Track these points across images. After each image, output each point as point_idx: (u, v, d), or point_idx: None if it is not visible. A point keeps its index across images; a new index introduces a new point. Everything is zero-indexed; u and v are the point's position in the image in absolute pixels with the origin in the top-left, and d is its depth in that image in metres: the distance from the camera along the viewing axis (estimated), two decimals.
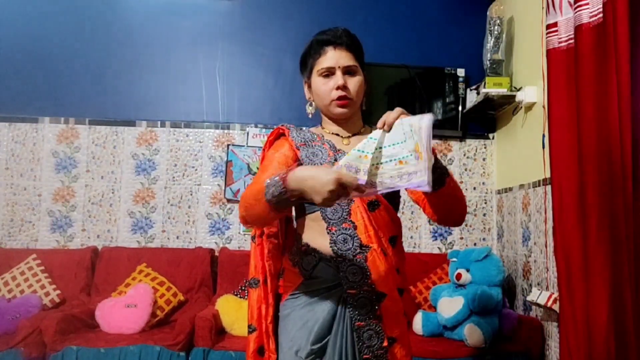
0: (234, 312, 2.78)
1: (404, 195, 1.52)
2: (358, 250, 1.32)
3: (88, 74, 3.43)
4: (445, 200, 1.28)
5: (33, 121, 3.40)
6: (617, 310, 1.91)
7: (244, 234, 3.38)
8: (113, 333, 2.69)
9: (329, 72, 1.38)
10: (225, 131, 3.46)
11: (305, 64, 1.44)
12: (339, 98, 1.37)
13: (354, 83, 1.39)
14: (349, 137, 1.45)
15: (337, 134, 1.45)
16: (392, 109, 1.24)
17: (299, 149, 1.39)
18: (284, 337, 1.37)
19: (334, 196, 1.07)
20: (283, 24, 3.52)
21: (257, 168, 3.35)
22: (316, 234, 1.36)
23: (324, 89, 1.38)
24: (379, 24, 3.52)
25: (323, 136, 1.45)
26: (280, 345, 1.38)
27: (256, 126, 3.44)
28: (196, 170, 3.43)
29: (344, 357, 1.30)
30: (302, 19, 3.52)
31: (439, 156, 1.30)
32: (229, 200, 3.40)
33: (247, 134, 3.43)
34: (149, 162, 3.42)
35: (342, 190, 1.07)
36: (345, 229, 1.33)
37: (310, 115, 1.48)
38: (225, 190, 3.39)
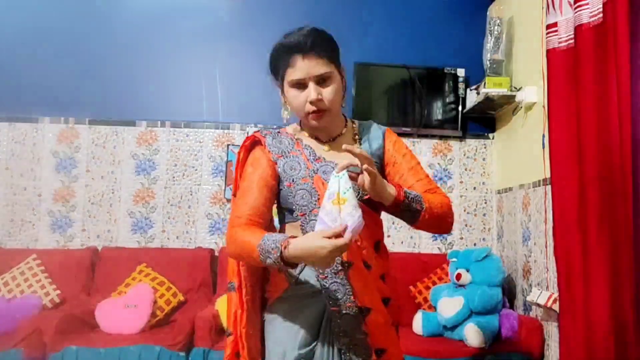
0: None
1: None
2: (339, 268, 1.28)
3: (88, 74, 3.42)
4: (426, 227, 1.30)
5: (33, 121, 3.40)
6: (617, 310, 1.91)
7: None
8: (113, 333, 2.69)
9: (300, 84, 1.30)
10: (225, 131, 3.46)
11: (275, 69, 1.36)
12: (314, 112, 1.30)
13: (329, 92, 1.30)
14: (328, 141, 1.40)
15: (317, 137, 1.40)
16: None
17: (276, 162, 1.35)
18: (270, 341, 1.35)
19: (332, 258, 1.13)
20: (283, 23, 3.48)
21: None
22: None
23: (297, 102, 1.31)
24: (379, 24, 3.52)
25: (302, 140, 1.40)
26: (267, 349, 1.36)
27: (256, 126, 3.44)
28: (196, 170, 3.43)
29: None
30: (302, 18, 3.47)
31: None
32: (229, 200, 3.39)
33: (247, 134, 3.43)
34: (149, 162, 3.42)
35: (340, 252, 1.14)
36: None
37: (285, 120, 1.41)
38: (225, 190, 3.39)
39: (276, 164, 1.35)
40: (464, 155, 3.51)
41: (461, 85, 3.42)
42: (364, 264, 1.30)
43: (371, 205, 1.32)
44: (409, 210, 1.24)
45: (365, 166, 1.15)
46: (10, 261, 3.04)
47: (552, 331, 2.56)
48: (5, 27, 3.43)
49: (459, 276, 2.85)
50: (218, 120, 3.46)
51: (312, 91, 1.28)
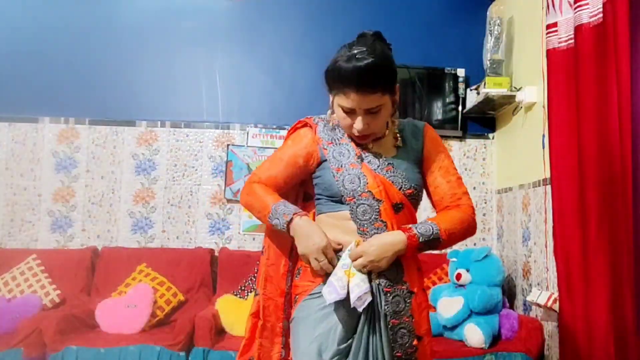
0: (234, 312, 2.78)
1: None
2: None
3: (88, 74, 3.42)
4: (449, 246, 1.42)
5: (33, 121, 3.39)
6: (617, 310, 1.91)
7: (244, 234, 3.38)
8: (113, 333, 2.69)
9: (349, 111, 1.31)
10: (225, 131, 3.46)
11: (327, 83, 1.35)
12: (359, 137, 1.35)
13: (377, 120, 1.33)
14: (372, 140, 1.40)
15: None
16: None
17: (326, 149, 1.39)
18: (303, 338, 1.32)
19: (313, 254, 1.29)
20: (283, 24, 3.52)
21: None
22: (341, 232, 1.35)
23: (344, 123, 1.34)
24: (379, 24, 3.47)
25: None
26: (297, 347, 1.34)
27: (256, 126, 3.44)
28: (196, 170, 3.43)
29: (371, 356, 1.27)
30: (301, 19, 3.52)
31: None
32: (229, 201, 3.39)
33: (247, 134, 3.43)
34: (149, 162, 3.42)
35: (320, 257, 1.29)
36: (378, 228, 1.31)
37: (330, 124, 1.43)
38: (225, 190, 3.39)
39: (326, 150, 1.39)
40: (464, 155, 3.51)
41: (461, 85, 3.42)
42: None
43: (413, 204, 1.39)
44: (428, 247, 1.32)
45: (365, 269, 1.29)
46: (10, 261, 3.04)
47: (552, 331, 2.56)
48: (6, 27, 3.43)
49: (458, 276, 2.85)
50: (218, 120, 3.46)
51: (359, 122, 1.30)
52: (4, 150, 3.37)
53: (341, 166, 1.36)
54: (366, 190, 1.32)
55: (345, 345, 1.28)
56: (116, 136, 3.42)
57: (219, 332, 2.71)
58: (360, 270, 1.27)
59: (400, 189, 1.34)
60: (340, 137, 1.40)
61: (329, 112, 1.41)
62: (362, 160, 1.36)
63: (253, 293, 1.46)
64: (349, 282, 1.26)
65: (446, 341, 2.71)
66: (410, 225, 1.32)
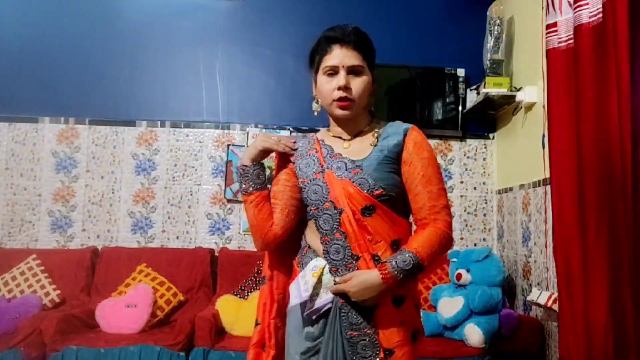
0: (234, 312, 2.78)
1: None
2: (349, 260, 1.32)
3: (88, 74, 3.43)
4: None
5: (33, 121, 3.40)
6: (616, 310, 1.91)
7: (244, 234, 3.38)
8: (113, 333, 2.69)
9: (333, 71, 1.35)
10: (225, 131, 3.46)
11: (313, 60, 1.42)
12: (340, 99, 1.34)
13: (358, 83, 1.35)
14: (350, 139, 1.42)
15: (340, 137, 1.44)
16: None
17: (294, 163, 1.45)
18: (288, 339, 1.41)
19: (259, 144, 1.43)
20: (283, 24, 3.52)
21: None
22: (314, 237, 1.39)
23: (327, 87, 1.36)
24: (379, 24, 3.52)
25: (324, 140, 1.44)
26: (287, 346, 1.42)
27: (256, 126, 3.44)
28: (196, 170, 3.43)
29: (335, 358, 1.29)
30: (302, 19, 3.52)
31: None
32: (229, 201, 3.40)
33: (247, 134, 3.43)
34: (149, 162, 3.42)
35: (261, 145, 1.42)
36: (337, 239, 1.33)
37: (315, 113, 1.46)
38: (225, 190, 3.39)
39: (294, 164, 1.44)
40: (464, 155, 3.51)
41: (461, 85, 3.42)
42: (373, 258, 1.30)
43: (389, 204, 1.33)
44: (412, 276, 1.31)
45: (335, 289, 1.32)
46: (10, 261, 3.04)
47: (552, 331, 2.56)
48: (6, 27, 3.43)
49: (459, 276, 2.85)
50: (218, 121, 3.46)
51: (341, 77, 1.34)
52: (4, 150, 3.37)
53: (306, 177, 1.39)
54: (328, 199, 1.33)
55: (311, 344, 1.34)
56: (116, 136, 3.42)
57: (219, 332, 2.71)
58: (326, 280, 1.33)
59: (367, 191, 1.30)
60: (308, 149, 1.44)
61: (314, 103, 1.45)
62: (326, 168, 1.37)
63: (254, 323, 1.47)
64: (315, 285, 1.31)
65: (446, 341, 2.71)
66: (387, 261, 1.27)
